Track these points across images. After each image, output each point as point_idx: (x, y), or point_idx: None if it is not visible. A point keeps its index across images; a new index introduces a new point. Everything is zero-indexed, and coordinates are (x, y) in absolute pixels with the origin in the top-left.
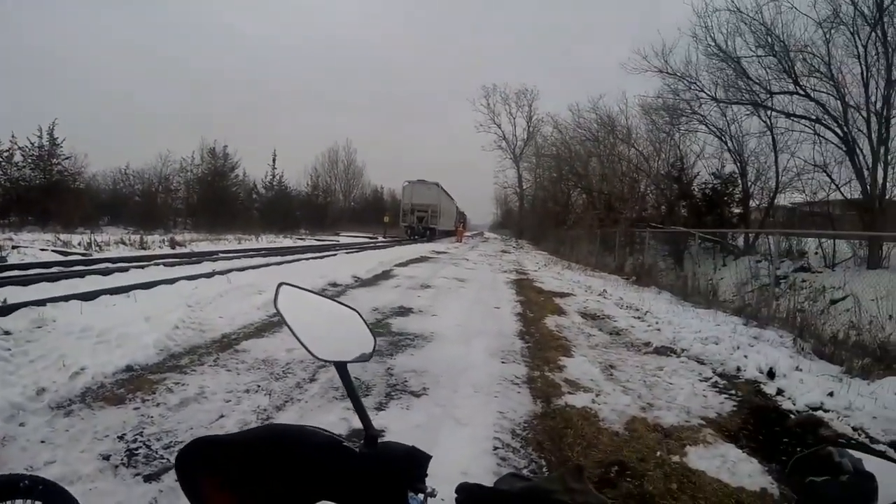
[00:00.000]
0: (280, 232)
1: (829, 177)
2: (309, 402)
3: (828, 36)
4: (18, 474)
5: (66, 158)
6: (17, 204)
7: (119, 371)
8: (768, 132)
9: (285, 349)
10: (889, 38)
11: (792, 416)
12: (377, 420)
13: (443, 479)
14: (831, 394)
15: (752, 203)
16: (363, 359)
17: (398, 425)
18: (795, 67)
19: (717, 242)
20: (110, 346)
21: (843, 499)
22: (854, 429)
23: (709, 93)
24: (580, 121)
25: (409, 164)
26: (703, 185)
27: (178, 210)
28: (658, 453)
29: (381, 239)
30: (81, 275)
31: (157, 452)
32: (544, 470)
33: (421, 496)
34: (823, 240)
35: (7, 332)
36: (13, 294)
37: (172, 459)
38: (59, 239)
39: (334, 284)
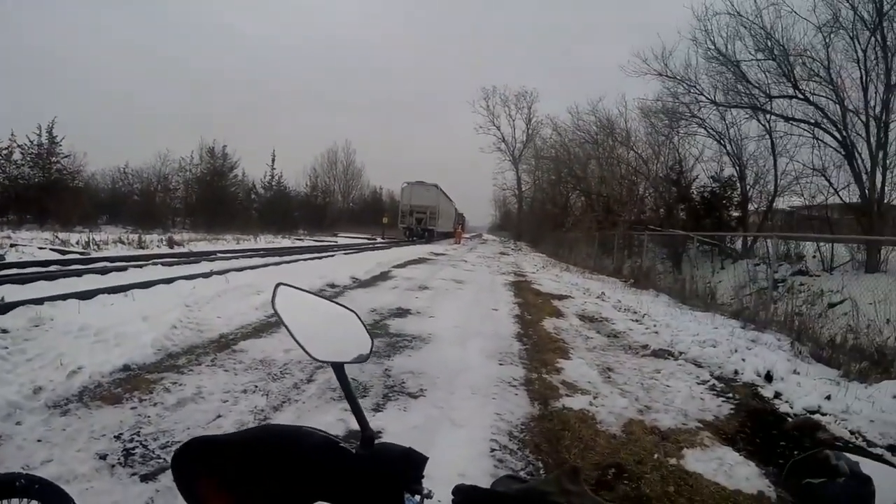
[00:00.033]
0: (278, 232)
1: (828, 181)
2: (306, 403)
3: (827, 40)
4: (15, 473)
5: (66, 157)
6: (16, 202)
7: (116, 370)
8: (767, 136)
9: (283, 350)
10: (888, 43)
11: (789, 420)
12: (374, 421)
13: (440, 481)
14: (829, 397)
15: (751, 206)
16: (360, 360)
17: (395, 426)
18: (795, 71)
19: (716, 246)
20: (108, 345)
21: (839, 501)
22: (851, 432)
23: (708, 96)
24: (579, 123)
25: (408, 165)
26: (702, 189)
27: (177, 209)
28: (655, 456)
29: (379, 240)
30: (79, 274)
31: (153, 452)
32: (541, 472)
33: (417, 497)
34: (822, 243)
35: (5, 331)
36: (11, 292)
37: (169, 459)
38: (57, 237)
39: (332, 285)
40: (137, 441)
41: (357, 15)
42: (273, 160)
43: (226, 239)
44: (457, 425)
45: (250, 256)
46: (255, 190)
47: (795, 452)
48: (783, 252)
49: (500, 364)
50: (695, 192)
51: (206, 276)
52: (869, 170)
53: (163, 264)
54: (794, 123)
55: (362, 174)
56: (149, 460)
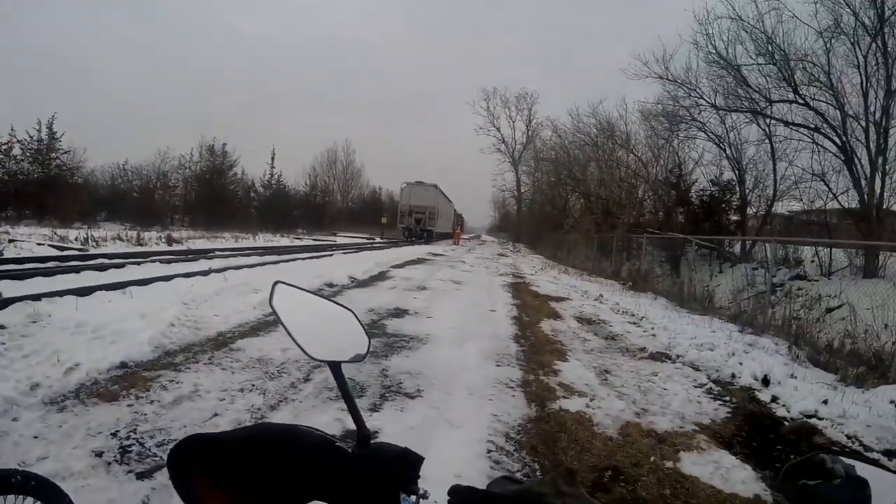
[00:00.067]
0: (277, 231)
1: (827, 186)
2: (303, 402)
3: (828, 45)
4: (11, 469)
5: (65, 153)
6: (15, 197)
7: (113, 367)
8: (767, 140)
9: (280, 348)
10: (889, 49)
11: (786, 424)
12: (371, 421)
13: (436, 482)
14: (826, 402)
15: (750, 210)
16: (357, 359)
17: (392, 427)
18: (795, 76)
19: (714, 249)
20: (105, 342)
21: (835, 503)
22: (848, 437)
23: (708, 100)
24: (579, 125)
25: (408, 166)
26: (701, 192)
27: (176, 207)
28: (652, 459)
29: (378, 240)
30: (77, 270)
31: (150, 450)
32: (538, 474)
33: (413, 498)
34: (820, 248)
35: (2, 327)
36: (9, 288)
37: (165, 457)
38: (55, 234)
39: (331, 285)
40: (134, 439)
41: (357, 15)
42: (273, 158)
43: (224, 237)
44: (454, 426)
45: (249, 255)
46: (254, 188)
47: (792, 456)
48: (782, 256)
49: (498, 365)
50: (694, 196)
51: (204, 274)
52: (868, 175)
53: (161, 262)
54: (794, 128)
55: (362, 174)
56: (145, 458)
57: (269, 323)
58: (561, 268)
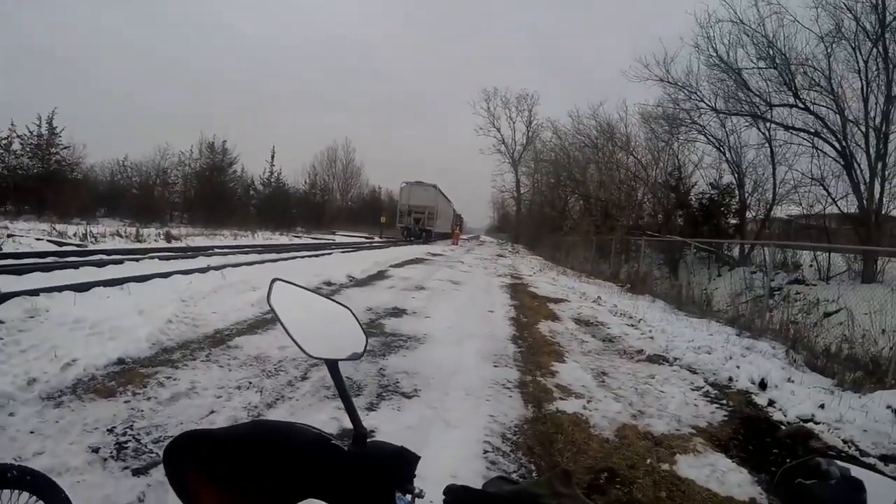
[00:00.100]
0: (276, 229)
1: (826, 190)
2: (300, 401)
3: (829, 50)
4: (6, 464)
5: (65, 148)
6: (14, 192)
7: (111, 364)
8: (767, 144)
9: (278, 346)
10: (890, 55)
11: (782, 428)
12: (368, 420)
13: (432, 481)
14: (822, 406)
15: (749, 214)
16: (355, 357)
17: (389, 426)
18: (796, 80)
19: (713, 252)
20: (103, 338)
21: (831, 502)
22: (844, 441)
23: (709, 103)
24: (580, 127)
25: (407, 166)
26: (701, 195)
27: (175, 204)
28: (648, 461)
29: (377, 239)
30: (76, 266)
31: (146, 446)
32: (534, 474)
33: (409, 497)
34: (818, 253)
35: (0, 321)
36: (7, 283)
37: (161, 454)
38: (54, 229)
39: (329, 283)
40: (130, 435)
41: (357, 15)
42: (272, 156)
43: (223, 234)
44: (450, 426)
45: (247, 253)
46: (253, 186)
47: (788, 460)
48: (780, 260)
49: (495, 366)
50: (693, 199)
51: (202, 271)
52: (867, 180)
53: (160, 258)
54: (794, 132)
55: (361, 173)
56: (141, 454)
57: (267, 321)
58: (559, 269)
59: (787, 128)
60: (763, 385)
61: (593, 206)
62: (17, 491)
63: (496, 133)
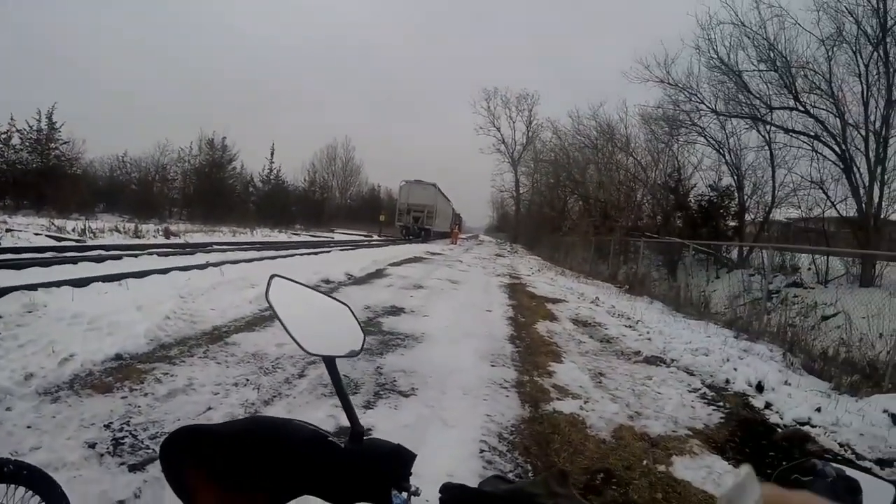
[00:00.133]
0: (275, 226)
1: (826, 194)
2: (297, 398)
3: (830, 53)
4: (3, 459)
5: (65, 143)
6: (13, 187)
7: (108, 359)
8: (766, 147)
9: (275, 344)
10: (891, 58)
11: (779, 430)
12: (365, 419)
13: (428, 480)
14: (819, 409)
15: (748, 217)
16: (352, 354)
17: (386, 424)
18: (796, 83)
19: (711, 254)
20: (100, 333)
21: (827, 476)
22: (840, 445)
23: (709, 105)
24: (580, 127)
25: (407, 166)
26: (700, 197)
27: (174, 200)
28: (644, 462)
29: (375, 238)
30: (74, 261)
31: (143, 442)
32: (530, 474)
33: (405, 494)
34: (817, 256)
35: None
36: (5, 278)
37: (158, 450)
38: (53, 224)
39: (327, 281)
40: (127, 431)
41: (357, 15)
42: (272, 153)
43: (222, 231)
44: (447, 425)
45: (246, 249)
46: (252, 183)
47: (784, 462)
48: (778, 263)
49: (493, 365)
50: (692, 201)
51: (201, 267)
52: (867, 184)
53: (158, 254)
54: (794, 135)
55: (361, 171)
56: (138, 450)
57: (265, 318)
58: (558, 269)
59: (787, 131)
60: (760, 387)
61: (592, 206)
62: (13, 486)
63: (496, 132)
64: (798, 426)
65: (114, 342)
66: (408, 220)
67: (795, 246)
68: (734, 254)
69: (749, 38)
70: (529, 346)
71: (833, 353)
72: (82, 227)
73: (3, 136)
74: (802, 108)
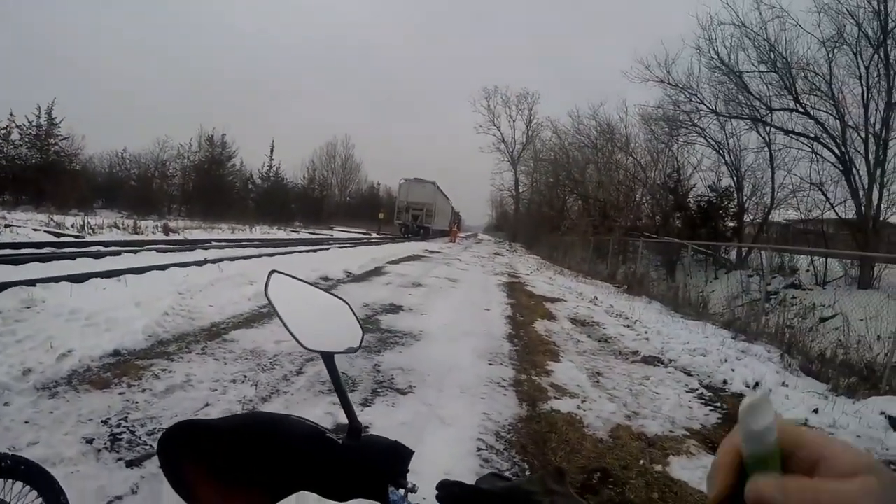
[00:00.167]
0: (274, 223)
1: (825, 195)
2: (295, 395)
3: (830, 55)
4: (1, 454)
5: (64, 139)
6: (13, 182)
7: (106, 355)
8: (766, 148)
9: (274, 341)
10: (891, 61)
11: None
12: (362, 416)
13: (424, 478)
14: (816, 411)
15: (747, 218)
16: (351, 351)
17: (383, 422)
18: (797, 85)
19: (710, 255)
20: (99, 329)
21: None
22: None
23: (709, 105)
24: (580, 127)
25: (407, 165)
26: (699, 198)
27: (174, 196)
28: (641, 462)
29: (374, 235)
30: (73, 257)
31: (140, 438)
32: (527, 473)
33: (402, 491)
34: (816, 258)
35: None
36: (3, 273)
37: (156, 446)
38: (52, 220)
39: (326, 279)
40: (125, 427)
41: (358, 15)
42: (272, 150)
43: (221, 228)
44: (444, 423)
45: (245, 246)
46: (252, 180)
47: None
48: (777, 264)
49: (490, 364)
50: (691, 201)
51: (199, 264)
52: (866, 186)
53: (157, 251)
54: (794, 137)
55: (360, 169)
56: (135, 446)
57: (264, 315)
58: (557, 269)
59: (786, 132)
60: (757, 388)
61: (592, 206)
62: (10, 480)
63: (496, 131)
64: None
65: (112, 338)
66: (407, 218)
67: (794, 247)
68: (733, 255)
69: (750, 38)
70: (527, 344)
71: (831, 354)
72: (81, 222)
73: (3, 131)
74: (802, 110)
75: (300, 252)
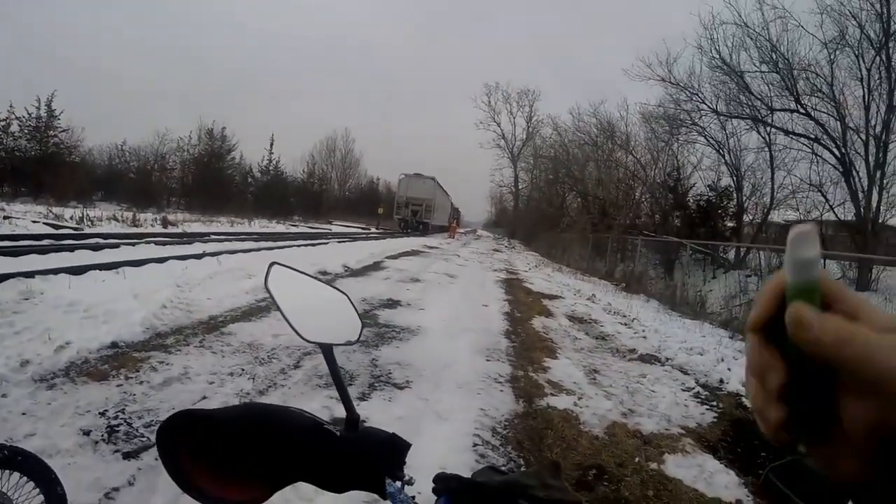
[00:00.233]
0: (273, 217)
1: (824, 197)
2: (292, 389)
3: (832, 57)
4: None
5: (63, 131)
6: (12, 174)
7: (104, 347)
8: (766, 148)
9: (271, 334)
10: (893, 63)
11: None
12: (359, 410)
13: (421, 472)
14: None
15: (746, 218)
16: (350, 343)
17: (380, 416)
18: (798, 86)
19: (709, 254)
20: (97, 321)
21: (817, 500)
22: None
23: (710, 105)
24: (580, 124)
25: (407, 163)
26: (699, 197)
27: (173, 189)
28: (636, 459)
29: (373, 230)
30: (72, 249)
31: (137, 430)
32: (522, 468)
33: (399, 483)
34: None
35: None
36: (2, 265)
37: (153, 438)
38: (51, 212)
39: (324, 273)
40: (122, 419)
41: (358, 15)
42: (272, 144)
43: (220, 221)
44: (441, 418)
45: (244, 240)
46: (251, 174)
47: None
48: (776, 265)
49: (488, 360)
50: (691, 200)
51: (198, 257)
52: (865, 188)
53: (156, 243)
54: (794, 137)
55: (360, 163)
56: (132, 438)
57: (262, 308)
58: (555, 266)
59: (787, 132)
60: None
61: (591, 203)
62: (7, 471)
63: (496, 128)
64: None
65: (110, 330)
66: (406, 213)
67: None
68: (731, 254)
69: (752, 39)
70: (525, 341)
71: None
72: (80, 215)
73: (2, 123)
74: (803, 111)
75: (299, 246)
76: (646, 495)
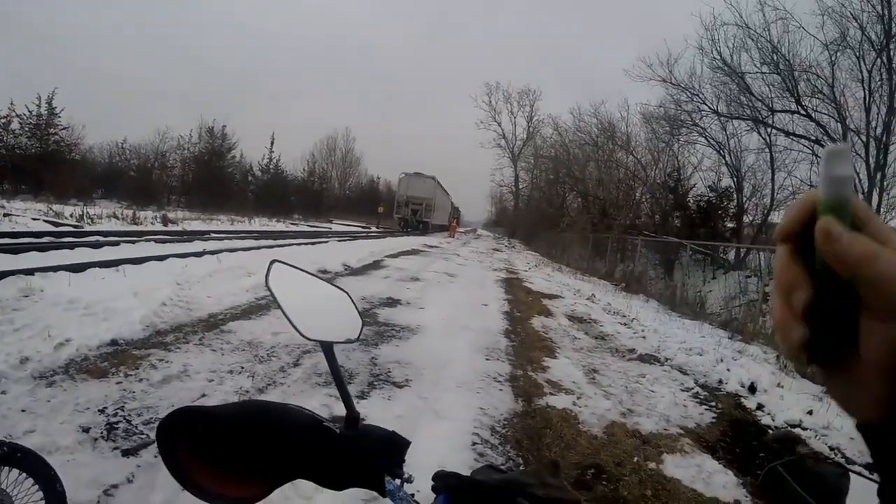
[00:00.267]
0: (273, 216)
1: None
2: (292, 387)
3: (833, 58)
4: None
5: (64, 129)
6: (12, 172)
7: (104, 344)
8: (767, 149)
9: (271, 332)
10: (894, 65)
11: (770, 432)
12: (358, 408)
13: (420, 470)
14: (811, 412)
15: (746, 218)
16: (350, 341)
17: (379, 415)
18: (798, 87)
19: (709, 255)
20: (96, 319)
21: (818, 479)
22: (831, 448)
23: (711, 106)
24: (580, 125)
25: (407, 163)
26: (699, 198)
27: (173, 187)
28: (635, 459)
29: (374, 229)
30: (72, 246)
31: (136, 428)
32: (521, 467)
33: (398, 481)
34: None
35: None
36: (2, 262)
37: (152, 436)
38: (51, 209)
39: (324, 271)
40: (121, 416)
41: (358, 15)
42: (272, 143)
43: (220, 219)
44: (440, 417)
45: (244, 238)
46: (252, 172)
47: (769, 460)
48: None
49: (487, 359)
50: (691, 201)
51: (198, 255)
52: (866, 190)
53: (156, 241)
54: (795, 139)
55: (360, 162)
56: (131, 435)
57: (262, 306)
58: (555, 266)
59: (787, 134)
60: (752, 389)
61: (591, 203)
62: (7, 467)
63: (497, 127)
64: (789, 428)
65: (109, 328)
66: (406, 212)
67: None
68: (731, 255)
69: (753, 40)
70: (524, 340)
71: None
72: (80, 212)
73: (3, 120)
74: (804, 112)
75: (299, 245)
76: (644, 495)
